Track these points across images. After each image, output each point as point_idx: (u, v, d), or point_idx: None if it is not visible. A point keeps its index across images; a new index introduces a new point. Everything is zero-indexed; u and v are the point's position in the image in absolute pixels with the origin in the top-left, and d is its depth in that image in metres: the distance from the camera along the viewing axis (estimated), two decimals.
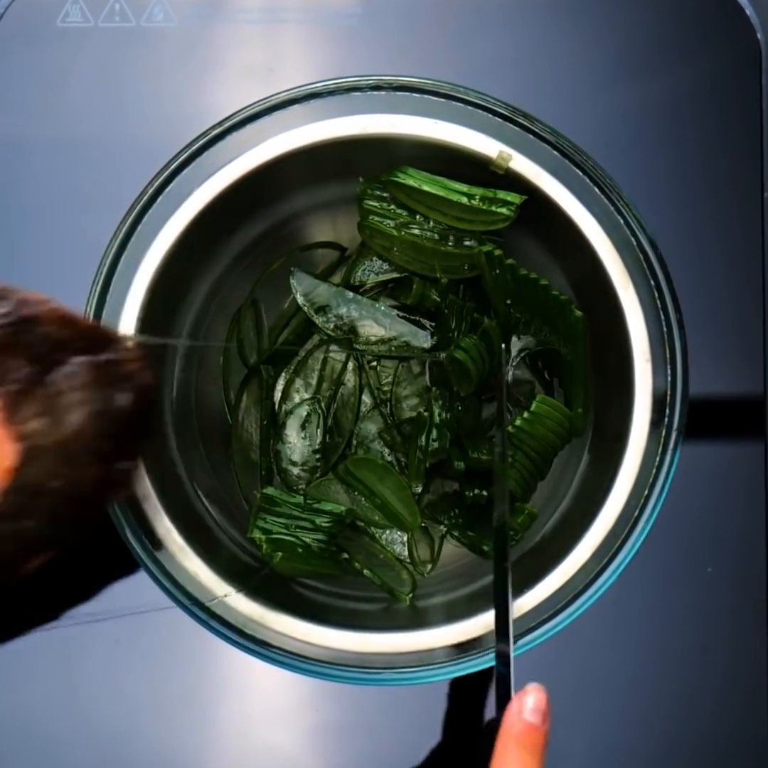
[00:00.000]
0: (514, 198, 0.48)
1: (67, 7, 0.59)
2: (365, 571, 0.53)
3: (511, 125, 0.47)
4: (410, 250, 0.51)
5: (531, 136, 0.47)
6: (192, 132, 0.46)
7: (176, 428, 0.51)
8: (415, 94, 0.47)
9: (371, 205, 0.51)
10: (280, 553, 0.50)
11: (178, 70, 0.59)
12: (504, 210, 0.49)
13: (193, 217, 0.46)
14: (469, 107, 0.47)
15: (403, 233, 0.51)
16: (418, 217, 0.51)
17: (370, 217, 0.51)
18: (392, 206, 0.51)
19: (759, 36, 0.58)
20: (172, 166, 0.46)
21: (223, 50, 0.59)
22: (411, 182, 0.50)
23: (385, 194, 0.51)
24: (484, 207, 0.49)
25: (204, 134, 0.46)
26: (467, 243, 0.51)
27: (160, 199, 0.46)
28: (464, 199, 0.49)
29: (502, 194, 0.48)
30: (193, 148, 0.46)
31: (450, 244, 0.51)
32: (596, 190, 0.46)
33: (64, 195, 0.58)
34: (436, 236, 0.51)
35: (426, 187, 0.50)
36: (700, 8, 0.59)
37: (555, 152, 0.47)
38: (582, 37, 0.59)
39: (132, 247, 0.46)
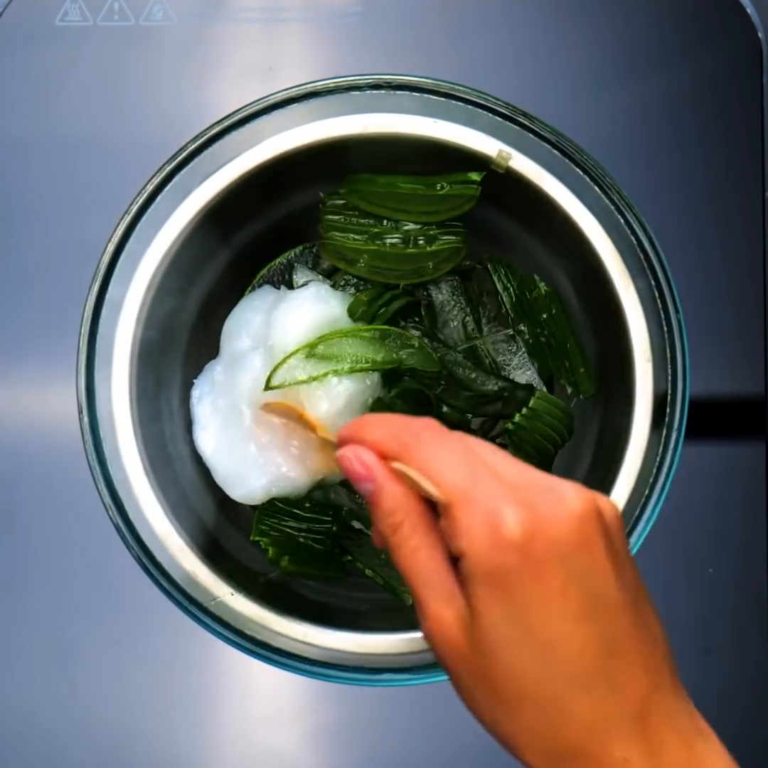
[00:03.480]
0: (475, 175, 0.48)
1: (66, 6, 0.58)
2: (367, 571, 0.53)
3: (511, 124, 0.47)
4: (376, 260, 0.51)
5: (531, 136, 0.47)
6: (191, 131, 0.46)
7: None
8: (414, 93, 0.47)
9: (333, 219, 0.51)
10: (286, 558, 0.50)
11: (178, 69, 0.59)
12: (467, 190, 0.48)
13: (192, 216, 0.46)
14: (469, 106, 0.47)
15: (366, 244, 0.50)
16: (385, 222, 0.50)
17: (331, 233, 0.51)
18: (354, 218, 0.51)
19: (760, 35, 0.58)
20: (171, 165, 0.46)
21: (222, 49, 0.59)
22: (370, 188, 0.49)
23: (347, 207, 0.50)
24: (447, 193, 0.49)
25: (203, 133, 0.46)
26: (432, 239, 0.51)
27: (159, 197, 0.46)
28: (422, 190, 0.49)
29: (461, 176, 0.48)
30: (193, 147, 0.46)
31: (414, 245, 0.50)
32: (597, 189, 0.46)
33: (64, 194, 0.58)
34: (400, 241, 0.50)
35: (386, 189, 0.49)
36: (700, 7, 0.59)
37: (555, 151, 0.47)
38: (582, 37, 0.59)
39: (131, 246, 0.46)
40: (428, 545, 0.34)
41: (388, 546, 0.35)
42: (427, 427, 0.35)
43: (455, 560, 0.34)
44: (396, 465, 0.35)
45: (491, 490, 0.32)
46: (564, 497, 0.33)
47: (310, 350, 0.48)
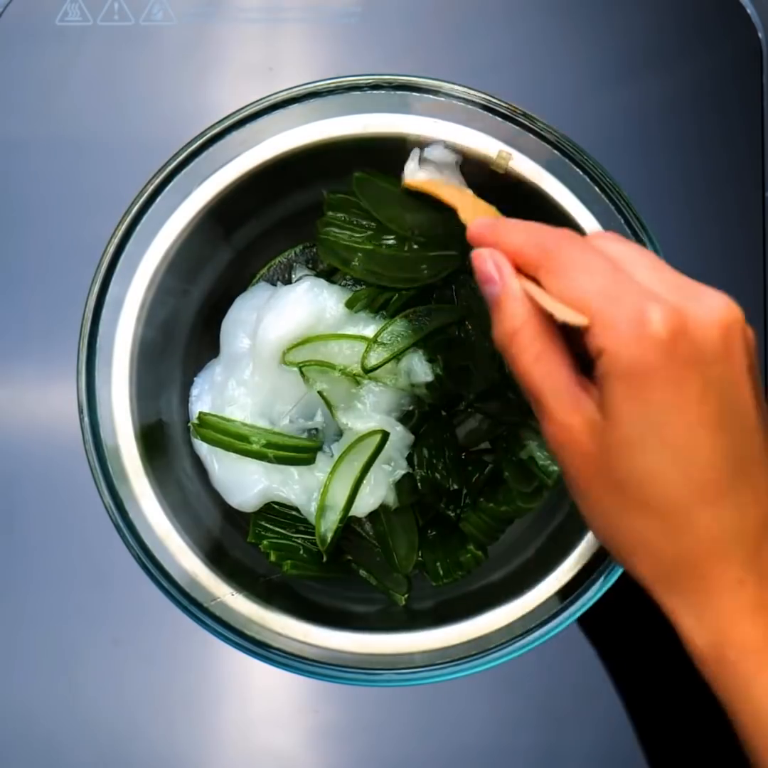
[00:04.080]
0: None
1: (66, 6, 0.58)
2: (361, 572, 0.53)
3: (511, 124, 0.47)
4: (370, 261, 0.50)
5: (531, 136, 0.47)
6: (191, 131, 0.46)
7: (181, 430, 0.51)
8: (414, 93, 0.47)
9: (332, 216, 0.50)
10: (289, 562, 0.50)
11: (178, 69, 0.59)
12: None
13: (192, 216, 0.46)
14: (469, 106, 0.47)
15: (362, 243, 0.50)
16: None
17: (327, 229, 0.50)
18: (354, 216, 0.50)
19: (760, 34, 0.58)
20: (172, 165, 0.46)
21: (222, 49, 0.59)
22: (375, 189, 0.49)
23: (349, 205, 0.50)
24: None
25: (203, 133, 0.46)
26: (428, 245, 0.50)
27: (159, 198, 0.46)
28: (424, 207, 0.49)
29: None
30: (193, 147, 0.46)
31: (409, 249, 0.50)
32: (596, 189, 0.46)
33: (64, 194, 0.58)
34: (396, 243, 0.50)
35: (391, 187, 0.49)
36: (700, 7, 0.59)
37: (555, 151, 0.47)
38: (582, 37, 0.59)
39: (131, 246, 0.46)
40: (552, 352, 0.33)
41: (508, 356, 0.34)
42: (567, 235, 0.34)
43: (586, 369, 0.33)
44: (532, 290, 0.33)
45: (638, 290, 0.31)
46: (713, 303, 0.32)
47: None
